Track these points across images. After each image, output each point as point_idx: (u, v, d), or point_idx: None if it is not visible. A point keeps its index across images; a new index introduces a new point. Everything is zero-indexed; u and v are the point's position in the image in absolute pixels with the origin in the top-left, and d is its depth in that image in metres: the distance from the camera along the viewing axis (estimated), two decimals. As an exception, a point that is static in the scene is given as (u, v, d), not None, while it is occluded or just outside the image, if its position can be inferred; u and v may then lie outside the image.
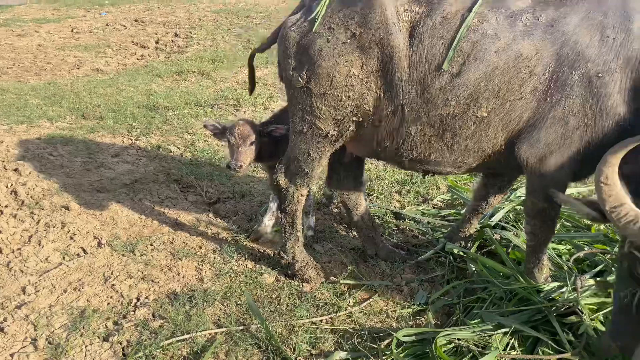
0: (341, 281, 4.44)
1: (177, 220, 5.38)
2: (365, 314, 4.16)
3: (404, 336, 3.70)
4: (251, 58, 4.58)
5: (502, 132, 3.70)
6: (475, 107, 3.62)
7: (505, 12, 3.56)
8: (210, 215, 5.53)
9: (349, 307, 4.19)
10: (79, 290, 4.21)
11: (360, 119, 3.91)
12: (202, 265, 4.62)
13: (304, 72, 3.84)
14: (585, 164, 3.60)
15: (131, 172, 6.24)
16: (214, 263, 4.66)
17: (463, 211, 5.34)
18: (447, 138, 3.78)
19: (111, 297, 4.18)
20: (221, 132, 4.75)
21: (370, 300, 4.29)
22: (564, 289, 3.84)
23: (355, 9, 3.68)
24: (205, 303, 4.12)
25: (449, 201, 5.91)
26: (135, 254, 4.72)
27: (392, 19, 3.61)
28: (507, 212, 5.18)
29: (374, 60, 3.69)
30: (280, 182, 4.31)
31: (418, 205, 5.84)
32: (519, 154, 3.71)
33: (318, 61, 3.76)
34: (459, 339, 3.62)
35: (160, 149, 7.07)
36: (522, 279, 4.04)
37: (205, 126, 4.86)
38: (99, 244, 4.82)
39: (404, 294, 4.39)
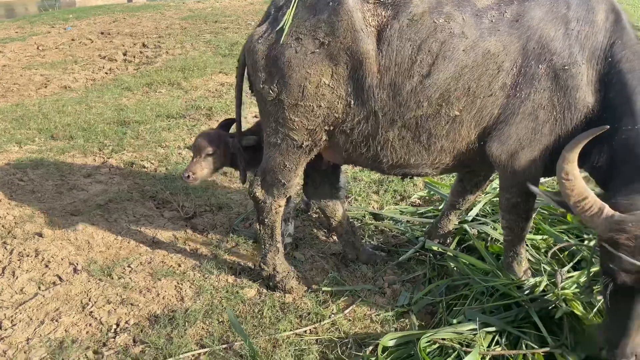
0: (323, 288, 4.40)
1: (154, 239, 5.30)
2: (349, 320, 4.13)
3: (390, 340, 3.68)
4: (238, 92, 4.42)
5: (475, 130, 3.69)
6: (447, 107, 3.61)
7: (472, 10, 3.55)
8: (188, 230, 5.46)
9: (333, 315, 4.16)
10: (56, 320, 4.12)
11: (331, 127, 3.88)
12: (182, 284, 4.56)
13: (275, 85, 3.79)
14: (555, 157, 3.60)
15: (105, 192, 6.14)
16: (193, 280, 4.60)
17: (441, 207, 5.35)
18: (423, 140, 3.76)
19: (90, 324, 4.10)
20: None
21: (354, 305, 4.26)
22: (542, 285, 3.84)
23: (322, 18, 3.63)
24: (186, 323, 4.06)
25: (427, 198, 5.91)
26: (112, 278, 4.63)
27: (360, 25, 3.57)
28: (484, 205, 5.20)
29: (344, 68, 3.66)
30: (257, 194, 4.26)
31: (396, 204, 5.83)
32: (490, 151, 3.71)
33: (288, 72, 3.72)
34: (443, 339, 3.62)
35: (134, 165, 6.96)
36: (501, 274, 4.04)
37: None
38: (75, 270, 4.72)
39: (387, 296, 4.37)
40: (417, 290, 4.36)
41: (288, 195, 4.34)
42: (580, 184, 2.99)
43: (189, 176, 4.50)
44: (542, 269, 4.13)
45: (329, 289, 4.41)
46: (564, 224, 4.85)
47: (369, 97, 3.68)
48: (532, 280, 3.85)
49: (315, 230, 5.43)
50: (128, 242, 5.22)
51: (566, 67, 3.43)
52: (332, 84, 3.71)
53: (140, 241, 5.24)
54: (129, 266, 4.83)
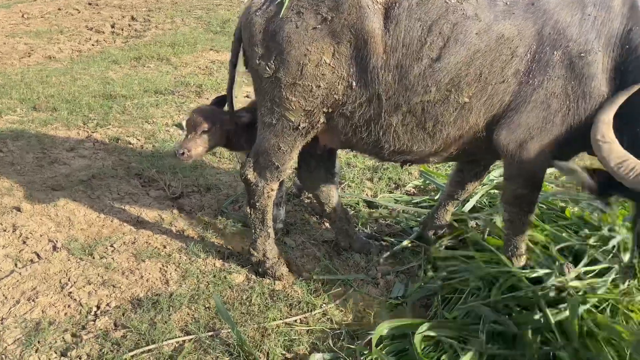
0: (314, 277, 4.24)
1: (139, 218, 5.08)
2: (341, 310, 3.98)
3: (385, 329, 3.51)
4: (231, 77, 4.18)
5: (483, 118, 3.52)
6: (456, 93, 3.43)
7: None
8: (175, 211, 5.24)
9: (324, 305, 4.00)
10: (33, 300, 3.91)
11: (330, 110, 3.68)
12: (167, 267, 4.36)
13: (272, 61, 3.58)
14: (565, 148, 3.46)
15: (88, 167, 5.88)
16: (179, 263, 4.40)
17: (437, 197, 5.19)
18: (429, 127, 3.58)
19: (69, 306, 3.89)
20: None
21: (346, 295, 4.11)
22: (552, 277, 3.67)
23: None
24: (171, 308, 3.87)
25: (422, 187, 5.75)
26: (94, 257, 4.42)
27: (366, 1, 3.37)
28: (481, 196, 5.04)
29: (347, 47, 3.45)
30: (249, 176, 4.05)
31: (390, 192, 5.66)
32: (497, 140, 3.54)
33: (287, 49, 3.50)
34: (439, 334, 3.47)
35: (119, 141, 6.70)
36: (507, 262, 3.88)
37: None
38: (55, 247, 4.50)
39: (380, 287, 4.23)
40: (411, 282, 4.21)
41: (281, 179, 4.15)
42: (617, 147, 2.89)
43: (183, 153, 4.25)
44: (545, 262, 3.96)
45: (321, 277, 4.25)
46: (562, 219, 4.71)
47: (372, 79, 3.49)
48: (540, 271, 3.65)
49: (307, 216, 5.24)
50: (111, 221, 5.00)
51: (582, 55, 3.26)
52: (333, 64, 3.51)
53: (124, 220, 5.02)
54: (111, 246, 4.61)
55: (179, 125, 7.14)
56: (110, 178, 5.74)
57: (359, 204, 5.37)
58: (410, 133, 3.65)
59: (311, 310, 3.93)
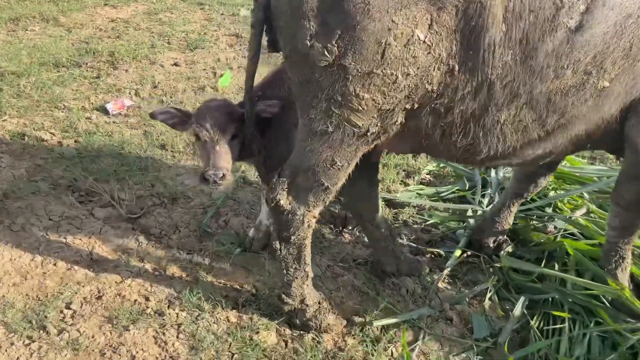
0: (375, 323, 3.19)
1: (92, 255, 3.68)
2: (421, 366, 3.01)
3: None
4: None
5: (620, 107, 2.64)
6: (597, 75, 2.47)
7: None
8: (140, 238, 3.88)
9: (398, 361, 3.01)
10: None
11: (416, 106, 2.57)
12: (165, 333, 3.08)
13: (334, 41, 2.36)
14: None
15: (-6, 183, 4.27)
16: (179, 325, 3.14)
17: (467, 186, 4.32)
18: (550, 123, 2.61)
19: None
20: (182, 122, 3.16)
21: (419, 343, 3.13)
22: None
23: None
24: (198, 408, 2.67)
25: (436, 172, 4.81)
26: (49, 332, 3.03)
27: None
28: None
29: (451, 14, 2.33)
30: (282, 202, 2.85)
31: (402, 182, 4.66)
32: (630, 132, 2.68)
33: (360, 22, 2.30)
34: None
35: (26, 138, 5.02)
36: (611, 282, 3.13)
37: (153, 116, 3.20)
38: (-18, 324, 3.04)
39: (455, 323, 3.29)
40: (489, 311, 3.34)
41: (327, 204, 2.99)
42: None
43: (224, 175, 2.95)
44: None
45: (382, 322, 3.21)
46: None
47: (485, 60, 2.41)
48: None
49: (317, 225, 4.11)
50: (54, 264, 3.56)
51: None
52: (429, 40, 2.37)
53: (73, 261, 3.60)
54: (68, 307, 3.23)
55: (104, 109, 5.57)
56: (32, 196, 4.20)
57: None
58: (522, 132, 2.65)
59: (384, 373, 2.93)
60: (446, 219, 4.06)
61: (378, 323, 3.18)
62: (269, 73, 3.38)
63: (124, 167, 4.65)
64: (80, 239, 3.80)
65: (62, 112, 5.55)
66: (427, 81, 2.47)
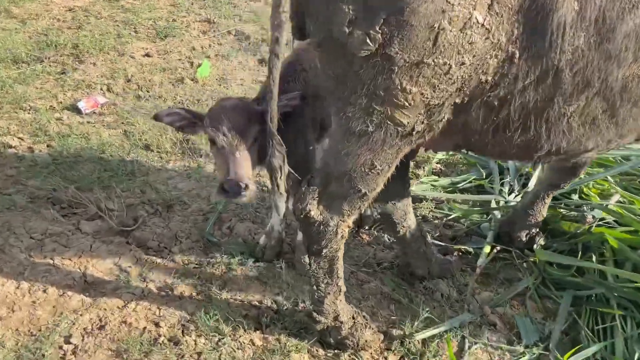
0: (417, 336, 2.91)
1: (86, 277, 3.28)
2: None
3: None
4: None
5: None
6: None
7: None
8: (136, 252, 3.49)
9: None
10: None
11: (467, 99, 2.27)
12: (186, 366, 2.74)
13: (379, 27, 2.02)
14: None
15: (-38, 199, 3.79)
16: (200, 354, 2.79)
17: (484, 174, 4.08)
18: (621, 114, 2.35)
19: None
20: (192, 124, 2.78)
21: (466, 355, 2.87)
22: None
23: None
24: None
25: (446, 161, 4.54)
26: (50, 373, 2.65)
27: None
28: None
29: None
30: (312, 212, 2.52)
31: (413, 173, 4.37)
32: None
33: (411, 3, 1.97)
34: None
35: (-8, 145, 4.52)
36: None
37: (158, 118, 2.81)
38: (-29, 372, 2.63)
39: (500, 328, 3.05)
40: (532, 312, 3.13)
41: (361, 212, 2.68)
42: None
43: (247, 185, 2.60)
44: None
45: (424, 334, 2.93)
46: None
47: (552, 44, 2.11)
48: None
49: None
50: (44, 291, 3.14)
51: None
52: (488, 23, 2.06)
53: (64, 285, 3.20)
54: (67, 342, 2.84)
55: (75, 108, 5.08)
56: (7, 211, 3.74)
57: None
58: (590, 125, 2.38)
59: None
60: (469, 212, 3.81)
61: (420, 336, 2.90)
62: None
63: (107, 173, 4.21)
64: (69, 259, 3.39)
65: (29, 113, 5.02)
66: (482, 71, 2.16)
